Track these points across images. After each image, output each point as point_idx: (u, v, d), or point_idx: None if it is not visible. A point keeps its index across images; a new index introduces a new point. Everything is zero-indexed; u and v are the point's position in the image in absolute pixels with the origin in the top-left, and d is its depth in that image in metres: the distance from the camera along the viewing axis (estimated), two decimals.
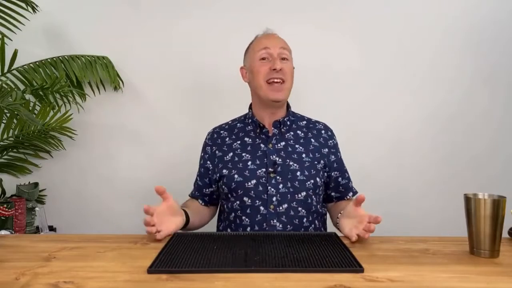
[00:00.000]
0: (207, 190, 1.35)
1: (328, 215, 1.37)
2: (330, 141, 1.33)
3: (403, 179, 1.98)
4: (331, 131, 1.37)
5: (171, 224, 1.06)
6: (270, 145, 1.26)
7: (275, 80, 1.23)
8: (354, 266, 0.78)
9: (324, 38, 1.97)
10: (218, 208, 1.40)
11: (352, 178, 1.38)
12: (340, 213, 1.12)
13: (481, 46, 1.97)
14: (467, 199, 0.90)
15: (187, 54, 1.99)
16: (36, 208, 1.80)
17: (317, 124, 1.36)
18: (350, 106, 1.97)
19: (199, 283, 0.72)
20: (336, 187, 1.33)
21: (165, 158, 2.02)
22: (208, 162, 1.34)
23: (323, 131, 1.34)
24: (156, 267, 0.78)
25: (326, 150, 1.31)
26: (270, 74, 1.23)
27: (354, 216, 1.02)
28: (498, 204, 0.86)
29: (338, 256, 0.84)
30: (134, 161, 2.02)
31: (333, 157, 1.31)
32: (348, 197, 1.33)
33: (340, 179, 1.33)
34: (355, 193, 1.35)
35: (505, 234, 0.95)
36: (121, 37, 1.99)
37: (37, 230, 1.82)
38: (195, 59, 2.00)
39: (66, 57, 1.92)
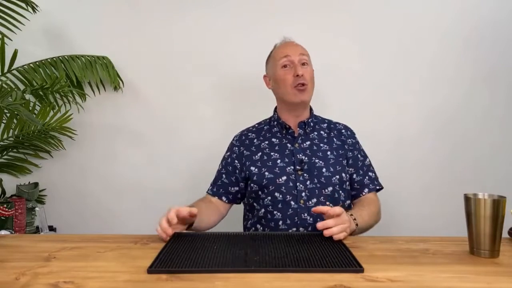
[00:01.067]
0: (232, 188, 1.39)
1: None
2: (349, 140, 1.41)
3: (403, 179, 1.98)
4: (351, 131, 1.46)
5: (175, 229, 1.07)
6: (296, 145, 1.34)
7: (299, 85, 1.32)
8: (354, 266, 0.78)
9: (324, 38, 1.96)
10: (244, 207, 1.44)
11: None
12: None
13: (481, 46, 1.96)
14: (467, 199, 0.90)
15: (187, 54, 1.99)
16: (36, 208, 1.80)
17: (337, 125, 1.45)
18: (350, 106, 1.97)
19: (199, 283, 0.72)
20: (352, 184, 1.37)
21: (165, 158, 2.02)
22: (236, 161, 1.39)
23: (343, 131, 1.43)
24: (156, 267, 0.78)
25: (346, 147, 1.38)
26: (295, 81, 1.31)
27: None
28: (498, 204, 0.86)
29: (338, 256, 0.84)
30: (134, 161, 2.02)
31: (350, 154, 1.38)
32: (363, 193, 1.36)
33: (354, 175, 1.37)
34: (371, 189, 1.36)
35: (505, 234, 0.95)
36: (121, 37, 1.99)
37: (37, 230, 1.82)
38: (195, 59, 1.99)
39: (66, 57, 1.91)
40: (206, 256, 0.84)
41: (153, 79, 2.01)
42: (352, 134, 1.44)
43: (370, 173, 1.39)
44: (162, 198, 1.97)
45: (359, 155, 1.40)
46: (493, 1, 1.96)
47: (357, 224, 1.13)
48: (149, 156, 2.02)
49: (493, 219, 0.86)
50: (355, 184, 1.37)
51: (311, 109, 1.44)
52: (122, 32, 1.99)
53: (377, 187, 1.38)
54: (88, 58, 1.93)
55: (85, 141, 2.02)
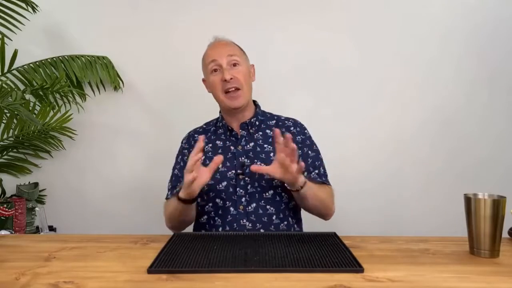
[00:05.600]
0: None
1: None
2: (298, 137, 1.33)
3: (404, 179, 1.98)
4: (301, 126, 1.38)
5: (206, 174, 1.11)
6: (240, 147, 1.29)
7: (230, 90, 1.27)
8: (354, 266, 0.78)
9: (324, 38, 1.96)
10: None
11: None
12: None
13: (482, 46, 1.96)
14: (467, 199, 0.90)
15: (187, 54, 1.99)
16: (36, 208, 1.80)
17: (286, 121, 1.38)
18: (350, 107, 1.97)
19: (199, 283, 0.72)
20: None
21: (164, 158, 2.01)
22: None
23: (292, 128, 1.35)
24: (156, 267, 0.78)
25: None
26: (224, 85, 1.27)
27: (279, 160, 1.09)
28: (498, 204, 0.86)
29: (338, 256, 0.84)
30: (134, 161, 2.02)
31: (299, 152, 1.25)
32: None
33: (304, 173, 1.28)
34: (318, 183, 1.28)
35: (505, 234, 0.95)
36: (121, 37, 1.99)
37: (37, 230, 1.82)
38: (195, 59, 1.98)
39: (66, 57, 1.92)
40: (206, 256, 0.84)
41: (153, 79, 2.01)
42: (302, 130, 1.36)
43: (318, 170, 1.31)
44: (162, 198, 1.97)
45: (309, 151, 1.33)
46: (494, 0, 1.96)
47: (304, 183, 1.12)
48: (149, 156, 2.02)
49: (493, 219, 0.86)
50: None
51: (257, 106, 1.38)
52: (122, 32, 1.99)
53: (325, 183, 1.30)
54: (88, 58, 1.93)
55: (85, 141, 2.02)
